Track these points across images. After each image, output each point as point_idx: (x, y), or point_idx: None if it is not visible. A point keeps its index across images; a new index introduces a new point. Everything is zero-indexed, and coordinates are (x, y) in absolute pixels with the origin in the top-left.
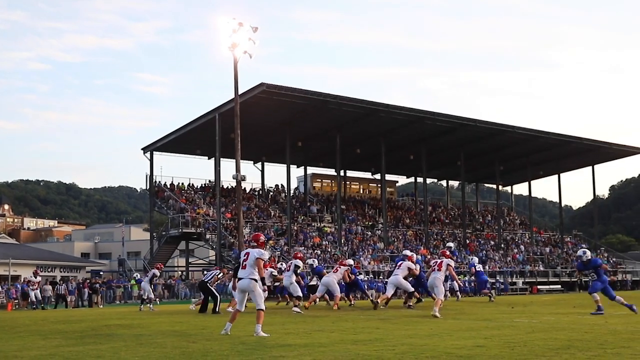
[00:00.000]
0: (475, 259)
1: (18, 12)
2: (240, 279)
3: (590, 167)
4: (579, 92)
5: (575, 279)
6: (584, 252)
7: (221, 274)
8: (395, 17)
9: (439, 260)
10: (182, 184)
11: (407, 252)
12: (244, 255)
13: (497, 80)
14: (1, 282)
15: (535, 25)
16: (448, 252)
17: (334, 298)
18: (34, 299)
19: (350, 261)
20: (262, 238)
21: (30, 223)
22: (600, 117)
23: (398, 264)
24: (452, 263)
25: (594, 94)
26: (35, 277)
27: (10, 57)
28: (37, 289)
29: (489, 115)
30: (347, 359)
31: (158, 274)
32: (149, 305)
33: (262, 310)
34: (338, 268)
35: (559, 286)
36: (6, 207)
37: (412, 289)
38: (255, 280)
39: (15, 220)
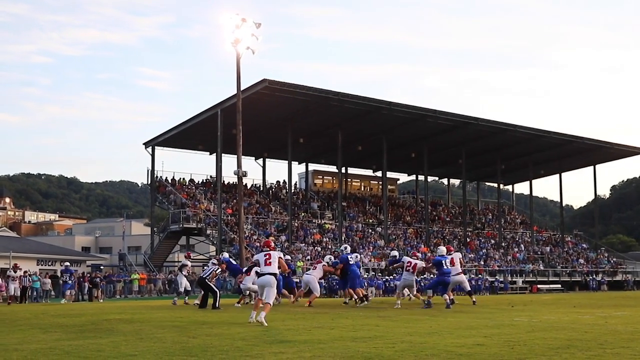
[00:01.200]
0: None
1: (20, 5)
2: (262, 274)
3: (592, 167)
4: (581, 92)
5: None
6: None
7: (219, 269)
8: (397, 14)
9: (413, 262)
10: (184, 179)
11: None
12: (265, 256)
13: (499, 79)
14: (2, 275)
15: (537, 25)
16: (418, 253)
17: (310, 295)
18: (12, 292)
19: (327, 258)
20: (272, 244)
21: (31, 216)
22: (602, 116)
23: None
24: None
25: (596, 93)
26: (15, 272)
27: (13, 50)
28: (16, 282)
29: (491, 114)
30: (346, 356)
31: (189, 263)
32: (184, 298)
33: (270, 304)
34: (316, 265)
35: (559, 286)
36: (7, 200)
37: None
38: (275, 276)
39: (17, 213)
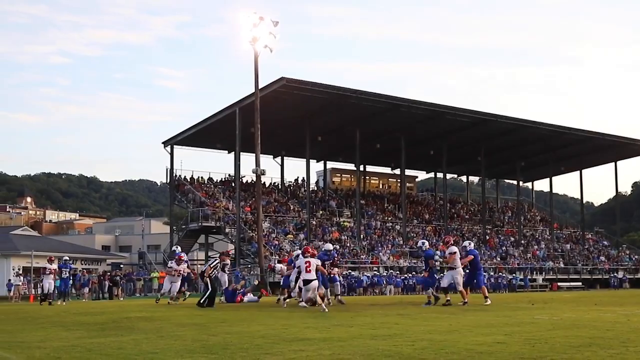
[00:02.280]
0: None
1: (40, 5)
2: (309, 281)
3: (613, 163)
4: (601, 88)
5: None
6: None
7: (217, 261)
8: (414, 11)
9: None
10: (202, 177)
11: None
12: (306, 263)
13: (518, 76)
14: (24, 274)
15: (557, 21)
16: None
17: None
18: (47, 289)
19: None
20: (311, 249)
21: (52, 216)
22: (623, 113)
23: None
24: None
25: (616, 90)
26: (51, 264)
27: (31, 50)
28: (52, 275)
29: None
30: (366, 353)
31: (229, 262)
32: (221, 297)
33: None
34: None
35: (580, 283)
36: (29, 199)
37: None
38: (316, 280)
39: (38, 213)
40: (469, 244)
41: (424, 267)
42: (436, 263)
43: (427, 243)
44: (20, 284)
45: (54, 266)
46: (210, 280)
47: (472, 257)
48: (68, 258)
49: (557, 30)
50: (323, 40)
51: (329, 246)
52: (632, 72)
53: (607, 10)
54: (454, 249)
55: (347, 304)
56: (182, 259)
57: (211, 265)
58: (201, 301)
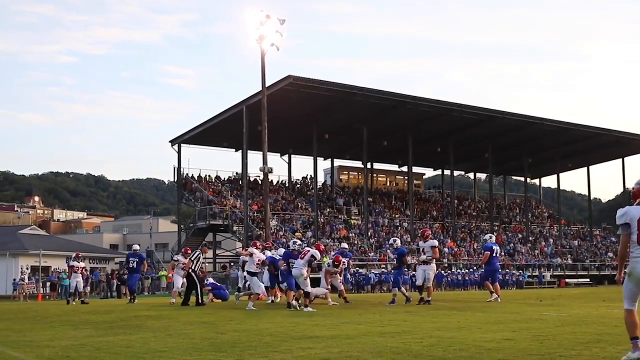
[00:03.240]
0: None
1: (46, 5)
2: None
3: (620, 160)
4: (608, 84)
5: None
6: None
7: (198, 253)
8: (421, 8)
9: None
10: (210, 176)
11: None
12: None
13: (525, 72)
14: (33, 273)
15: (564, 17)
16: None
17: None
18: (74, 288)
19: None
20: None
21: (60, 215)
22: (630, 109)
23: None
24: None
25: (623, 86)
26: (79, 262)
27: (39, 50)
28: (80, 274)
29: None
30: (374, 351)
31: (247, 259)
32: (240, 293)
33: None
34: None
35: (588, 280)
36: (37, 199)
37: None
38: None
39: (46, 212)
40: (490, 238)
41: (396, 264)
42: (422, 258)
43: (398, 241)
44: (25, 283)
45: (82, 264)
46: (195, 275)
47: (488, 253)
48: (138, 247)
49: (565, 26)
50: (331, 37)
51: (344, 245)
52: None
53: (616, 7)
54: (434, 242)
55: (355, 302)
56: (189, 251)
57: (192, 259)
58: (200, 300)
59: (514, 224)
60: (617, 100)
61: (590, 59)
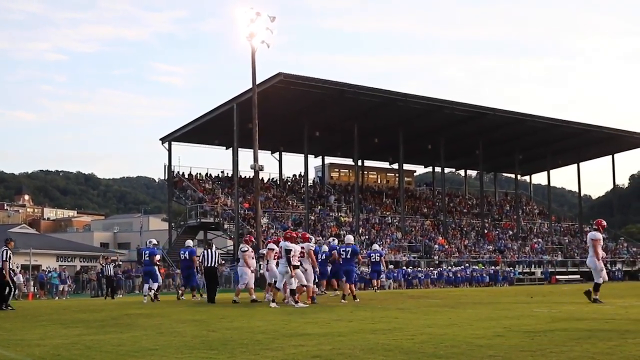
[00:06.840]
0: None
1: (36, 3)
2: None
3: (610, 156)
4: (598, 80)
5: None
6: None
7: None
8: (412, 4)
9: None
10: (200, 174)
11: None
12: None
13: (515, 68)
14: (23, 271)
15: (554, 13)
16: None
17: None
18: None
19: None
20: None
21: (50, 213)
22: (620, 105)
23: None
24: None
25: (613, 82)
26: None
27: (28, 47)
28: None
29: (508, 104)
30: (366, 348)
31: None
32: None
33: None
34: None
35: (578, 276)
36: (26, 197)
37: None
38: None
39: (36, 210)
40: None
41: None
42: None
43: (336, 240)
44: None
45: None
46: (217, 271)
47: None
48: (156, 241)
49: (556, 22)
50: (322, 34)
51: (350, 238)
52: (629, 63)
53: (608, 3)
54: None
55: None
56: (252, 240)
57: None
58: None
59: (504, 221)
60: (608, 96)
61: (582, 55)
